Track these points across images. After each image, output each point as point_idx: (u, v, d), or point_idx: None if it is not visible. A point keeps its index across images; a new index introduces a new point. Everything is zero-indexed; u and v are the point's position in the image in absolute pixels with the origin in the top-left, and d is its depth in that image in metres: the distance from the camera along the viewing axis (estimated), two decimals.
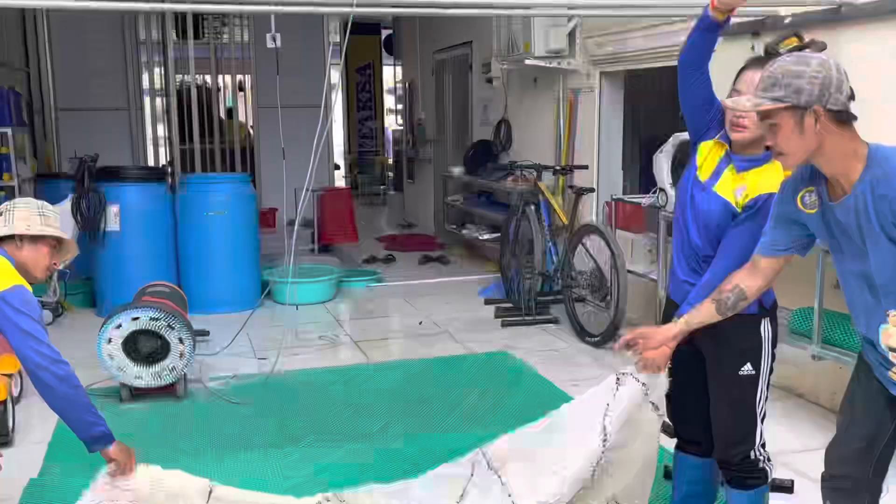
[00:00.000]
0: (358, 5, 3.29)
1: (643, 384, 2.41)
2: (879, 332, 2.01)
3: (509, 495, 2.53)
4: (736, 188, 2.39)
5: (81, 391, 2.46)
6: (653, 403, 2.43)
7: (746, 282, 2.26)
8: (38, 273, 2.63)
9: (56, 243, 2.67)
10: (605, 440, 2.40)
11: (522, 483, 2.52)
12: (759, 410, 2.47)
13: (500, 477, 2.58)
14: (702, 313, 2.34)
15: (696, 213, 2.47)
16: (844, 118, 1.92)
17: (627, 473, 2.49)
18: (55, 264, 2.70)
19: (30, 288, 2.53)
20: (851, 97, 1.93)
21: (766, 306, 2.45)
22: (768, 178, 2.34)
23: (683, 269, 2.55)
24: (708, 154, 2.47)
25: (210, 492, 2.55)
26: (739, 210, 2.38)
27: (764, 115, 1.96)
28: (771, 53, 2.41)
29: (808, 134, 1.91)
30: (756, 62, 2.39)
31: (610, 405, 2.41)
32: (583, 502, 2.50)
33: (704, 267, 2.46)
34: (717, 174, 2.43)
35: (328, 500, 2.74)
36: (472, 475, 2.62)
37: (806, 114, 1.89)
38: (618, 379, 2.45)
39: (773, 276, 2.26)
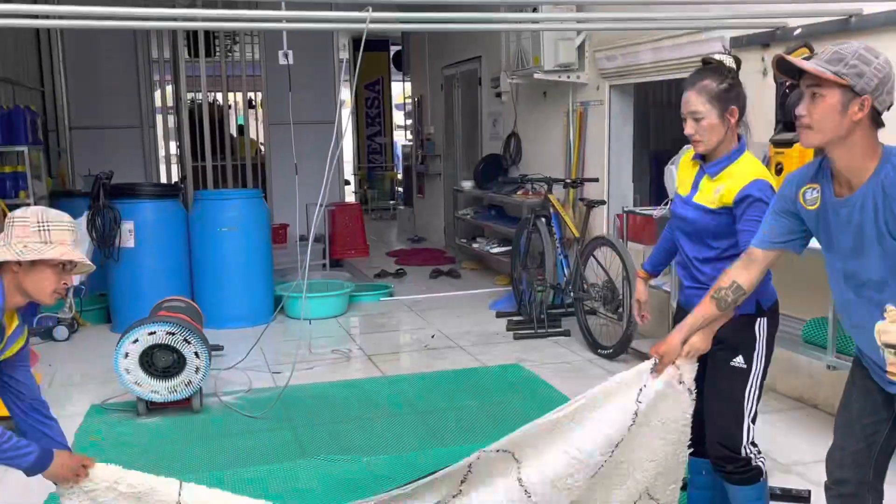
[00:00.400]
0: (371, 21, 3.32)
1: (677, 367, 2.39)
2: (874, 329, 2.02)
3: (517, 461, 2.48)
4: (714, 189, 2.54)
5: None
6: (688, 388, 2.41)
7: (742, 276, 2.28)
8: (43, 298, 2.33)
9: (65, 262, 2.33)
10: (633, 420, 2.37)
11: (532, 455, 2.47)
12: (747, 406, 2.52)
13: (511, 453, 2.52)
14: (703, 309, 2.34)
15: (683, 225, 2.64)
16: (879, 121, 1.95)
17: (656, 455, 2.43)
18: (65, 284, 2.36)
19: None
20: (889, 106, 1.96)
21: (763, 307, 2.52)
22: (740, 173, 2.48)
23: (686, 277, 2.71)
24: (686, 172, 2.68)
25: (180, 488, 2.45)
26: (715, 207, 2.50)
27: (814, 83, 1.95)
28: (707, 62, 2.51)
29: (847, 119, 1.92)
30: (691, 80, 2.51)
31: (643, 391, 2.38)
32: (607, 490, 2.47)
33: (702, 270, 2.60)
34: (695, 187, 2.61)
35: None
36: (469, 470, 2.58)
37: (854, 99, 1.91)
38: (655, 364, 2.40)
39: (767, 268, 2.28)
